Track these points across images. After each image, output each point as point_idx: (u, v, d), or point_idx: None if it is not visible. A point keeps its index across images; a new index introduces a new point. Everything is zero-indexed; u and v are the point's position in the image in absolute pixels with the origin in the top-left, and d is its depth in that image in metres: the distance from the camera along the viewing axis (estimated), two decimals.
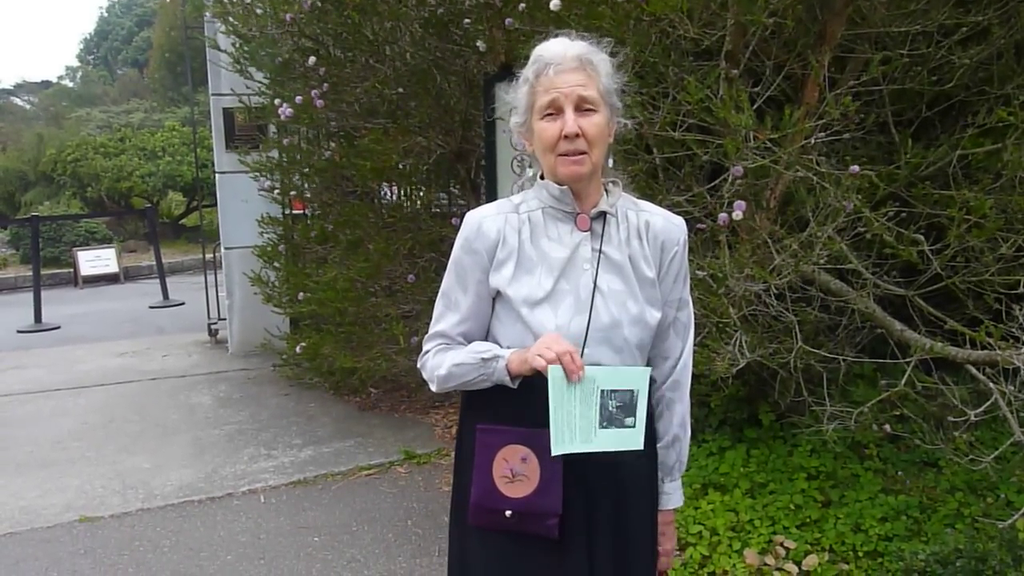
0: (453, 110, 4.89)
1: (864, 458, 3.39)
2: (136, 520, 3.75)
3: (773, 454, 3.46)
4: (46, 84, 35.42)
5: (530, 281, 1.56)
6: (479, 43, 4.15)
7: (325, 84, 4.40)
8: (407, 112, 4.75)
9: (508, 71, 4.48)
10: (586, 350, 1.53)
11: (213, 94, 6.40)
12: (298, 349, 4.99)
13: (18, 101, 32.88)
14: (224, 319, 6.95)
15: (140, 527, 3.68)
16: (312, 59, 4.37)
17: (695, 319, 1.73)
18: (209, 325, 7.25)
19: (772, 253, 2.77)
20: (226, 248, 6.58)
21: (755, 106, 2.71)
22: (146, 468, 4.35)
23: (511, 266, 1.57)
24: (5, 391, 5.96)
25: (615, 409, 1.48)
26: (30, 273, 10.05)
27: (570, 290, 1.55)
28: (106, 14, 40.84)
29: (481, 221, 1.60)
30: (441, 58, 4.61)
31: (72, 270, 13.10)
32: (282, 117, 4.48)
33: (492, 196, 4.65)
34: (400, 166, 4.97)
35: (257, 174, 5.40)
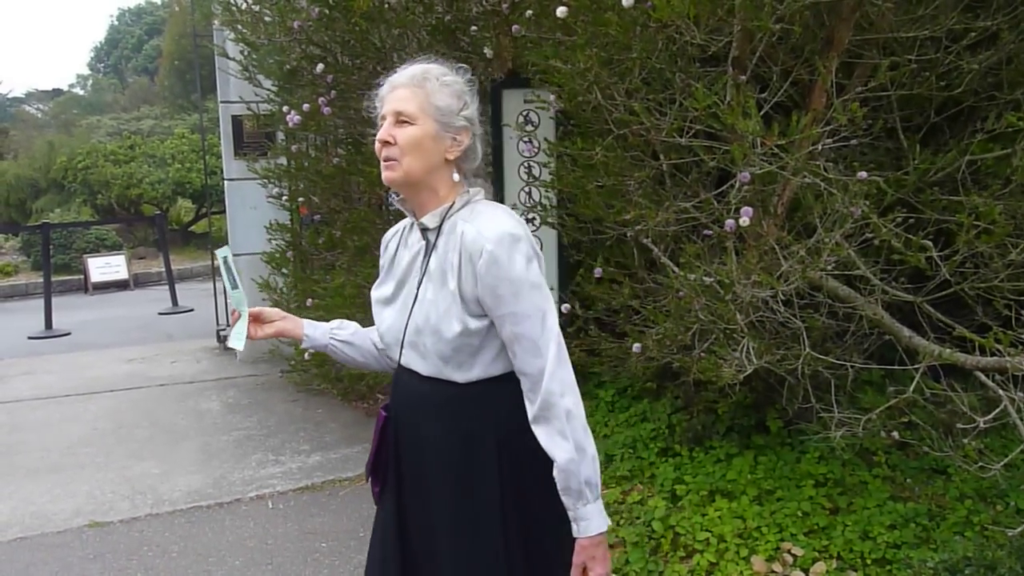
0: None
1: (872, 465, 3.37)
2: (145, 525, 3.77)
3: (781, 461, 3.45)
4: (57, 92, 35.66)
5: (384, 285, 1.82)
6: (486, 50, 4.17)
7: (333, 91, 4.42)
8: None
9: (515, 78, 4.50)
10: (403, 351, 1.76)
11: (222, 101, 6.43)
12: (306, 355, 4.99)
13: (29, 109, 33.09)
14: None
15: (149, 532, 3.69)
16: (320, 66, 4.38)
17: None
18: (218, 331, 7.27)
19: (779, 259, 2.77)
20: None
21: (762, 112, 2.71)
22: (155, 474, 4.37)
23: (382, 273, 1.85)
24: (16, 397, 5.99)
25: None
26: (41, 280, 10.10)
27: (402, 295, 1.77)
28: (116, 23, 41.11)
29: (386, 239, 1.87)
30: None
31: (82, 277, 13.17)
32: (290, 124, 4.49)
33: (499, 201, 4.66)
34: None
35: (265, 181, 5.42)
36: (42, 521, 3.82)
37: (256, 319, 1.89)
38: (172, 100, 22.23)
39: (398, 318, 1.75)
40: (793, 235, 2.91)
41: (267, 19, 4.62)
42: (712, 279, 2.75)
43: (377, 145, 1.69)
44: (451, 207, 1.70)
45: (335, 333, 1.94)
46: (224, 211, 7.05)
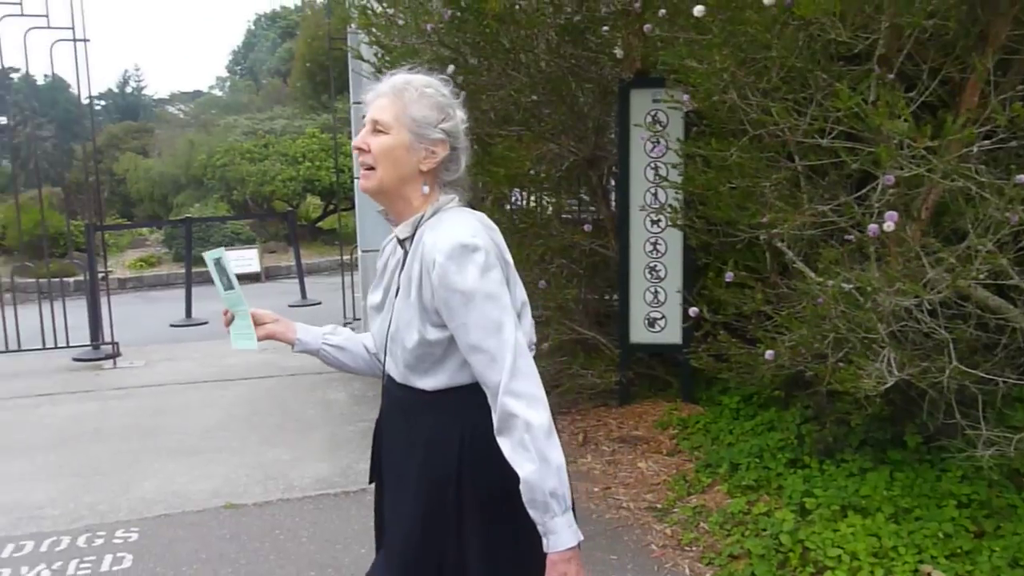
0: (587, 117, 4.89)
1: (1022, 488, 3.17)
2: (277, 509, 3.93)
3: (919, 478, 3.28)
4: (198, 94, 37.71)
5: (375, 291, 1.83)
6: (616, 50, 4.14)
7: (462, 92, 4.48)
8: (541, 119, 4.78)
9: (644, 77, 4.46)
10: (385, 357, 1.79)
11: (354, 102, 6.63)
12: None
13: (172, 110, 35.12)
14: (359, 319, 7.19)
15: (280, 516, 3.85)
16: (451, 68, 4.46)
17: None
18: (344, 323, 7.52)
19: (925, 266, 2.63)
20: (363, 251, 6.81)
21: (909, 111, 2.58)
22: (285, 460, 4.55)
23: (376, 279, 1.84)
24: (159, 381, 6.36)
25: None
26: (182, 271, 10.69)
27: (387, 303, 1.78)
28: (253, 27, 43.07)
29: (384, 243, 1.85)
30: (576, 65, 4.63)
31: None
32: None
33: (624, 202, 4.63)
34: (532, 172, 5.01)
35: None
36: (183, 500, 4.04)
37: (252, 321, 1.89)
38: (303, 100, 23.08)
39: (381, 325, 1.78)
40: (940, 241, 2.77)
41: (400, 22, 4.74)
42: (851, 286, 2.65)
43: (354, 152, 1.74)
44: (423, 216, 1.68)
45: (327, 338, 1.93)
46: (351, 208, 7.27)
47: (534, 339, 1.75)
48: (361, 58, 5.48)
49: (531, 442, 1.54)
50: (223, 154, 17.02)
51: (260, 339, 1.87)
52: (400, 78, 1.70)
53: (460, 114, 1.72)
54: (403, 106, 1.65)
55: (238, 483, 4.24)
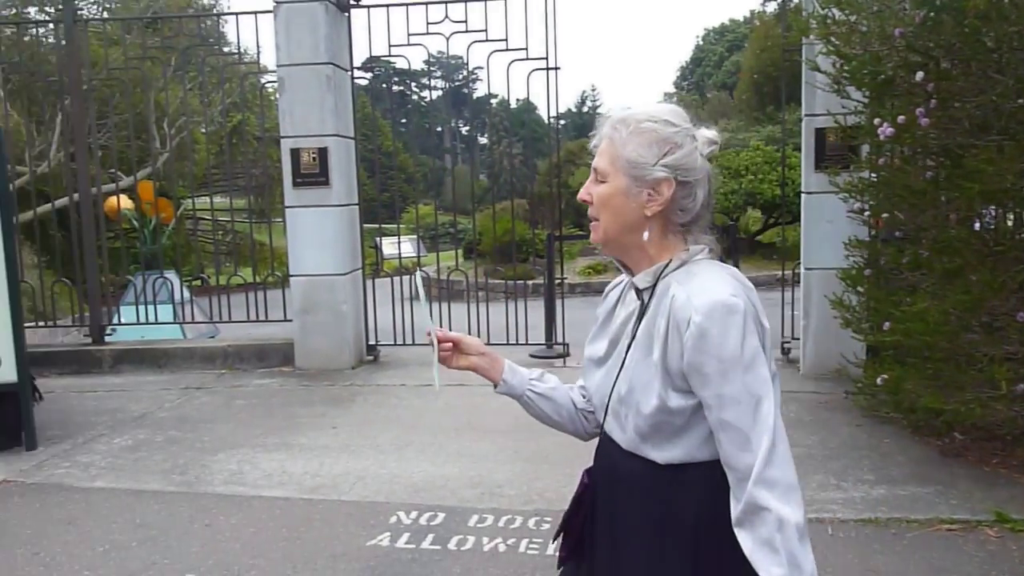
0: None
1: None
2: None
3: None
4: None
5: (597, 341, 1.66)
6: None
7: (932, 100, 4.08)
8: None
9: None
10: (606, 417, 1.60)
11: (806, 114, 6.42)
12: (879, 381, 4.72)
13: None
14: (797, 339, 6.94)
15: None
16: (919, 74, 4.09)
17: None
18: (782, 343, 7.30)
19: None
20: (806, 268, 6.55)
21: None
22: None
23: (596, 327, 1.68)
24: None
25: None
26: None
27: (613, 356, 1.60)
28: (701, 42, 43.99)
29: (608, 288, 1.73)
30: None
31: None
32: (880, 136, 4.28)
33: None
34: (1013, 187, 4.37)
35: (846, 195, 5.26)
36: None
37: (456, 346, 1.74)
38: (748, 113, 22.98)
39: (604, 381, 1.60)
40: None
41: (863, 29, 4.47)
42: None
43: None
44: (666, 266, 1.51)
45: (533, 385, 1.76)
46: (795, 223, 7.03)
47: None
48: (817, 69, 5.28)
49: (782, 543, 1.34)
50: None
51: (463, 368, 1.74)
52: (618, 115, 1.53)
53: (697, 142, 1.50)
54: (617, 148, 1.50)
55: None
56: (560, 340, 7.64)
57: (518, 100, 40.00)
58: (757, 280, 15.59)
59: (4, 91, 11.06)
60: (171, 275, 8.57)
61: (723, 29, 41.43)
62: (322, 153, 7.00)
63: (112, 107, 9.33)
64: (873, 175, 5.11)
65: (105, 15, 16.11)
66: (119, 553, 3.74)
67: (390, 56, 7.51)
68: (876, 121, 4.39)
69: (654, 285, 1.52)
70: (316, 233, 7.08)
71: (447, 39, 7.25)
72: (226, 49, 10.36)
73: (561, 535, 1.72)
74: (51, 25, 8.37)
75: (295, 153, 7.04)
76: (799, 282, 6.80)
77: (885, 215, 5.00)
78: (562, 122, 48.39)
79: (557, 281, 7.86)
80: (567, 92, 78.65)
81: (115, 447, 5.28)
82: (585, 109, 58.44)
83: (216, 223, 15.09)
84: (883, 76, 4.47)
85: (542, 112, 7.22)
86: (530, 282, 12.35)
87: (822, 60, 5.15)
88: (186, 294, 8.99)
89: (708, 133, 1.52)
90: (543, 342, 7.77)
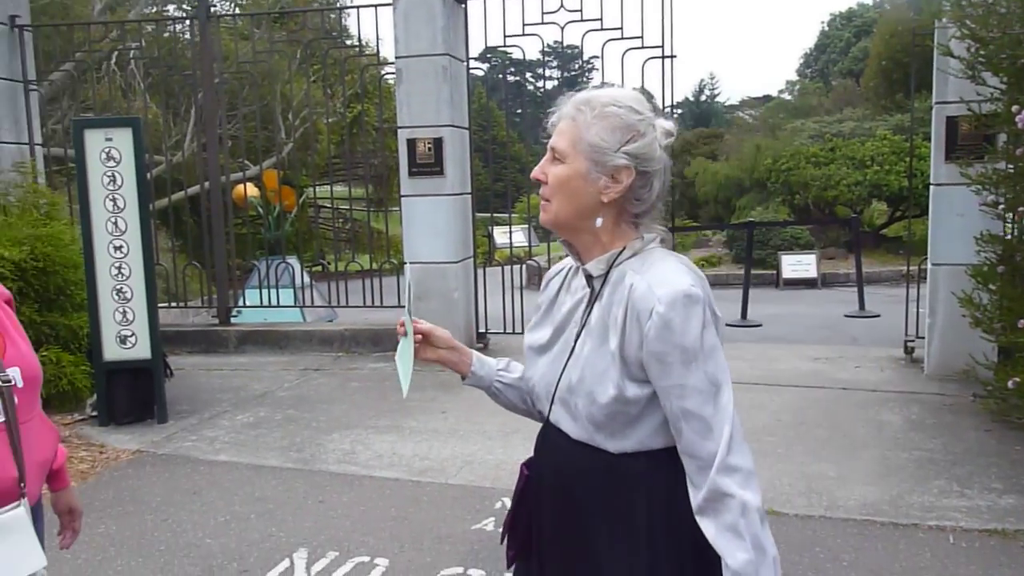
0: None
1: None
2: (818, 526, 3.82)
3: None
4: (767, 98, 38.45)
5: (540, 329, 1.62)
6: None
7: None
8: None
9: None
10: (552, 407, 1.56)
11: (937, 102, 6.09)
12: (1010, 384, 4.46)
13: (742, 115, 36.40)
14: (922, 337, 6.62)
15: (821, 534, 3.74)
16: None
17: None
18: (905, 342, 6.99)
19: None
20: (933, 264, 6.23)
21: None
22: (831, 477, 4.40)
23: (538, 315, 1.65)
24: None
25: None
26: (740, 272, 11.02)
27: (558, 344, 1.57)
28: (826, 28, 42.35)
29: (548, 275, 1.69)
30: None
31: (775, 272, 13.98)
32: (1019, 125, 4.03)
33: None
34: None
35: (979, 187, 4.97)
36: None
37: (425, 338, 1.70)
38: (875, 101, 22.00)
39: (550, 370, 1.57)
40: None
41: (1001, 10, 4.21)
42: None
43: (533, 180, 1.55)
44: (619, 254, 1.49)
45: (500, 376, 1.73)
46: (922, 216, 6.70)
47: None
48: (950, 54, 5.01)
49: (746, 528, 1.35)
50: (788, 158, 17.09)
51: (431, 361, 1.71)
52: (582, 96, 1.50)
53: (656, 132, 1.47)
54: (580, 130, 1.46)
55: (780, 490, 4.23)
56: None
57: (633, 89, 39.57)
58: (880, 275, 14.98)
59: (144, 85, 11.74)
60: (293, 260, 8.91)
61: (850, 14, 39.76)
62: (437, 143, 7.12)
63: (241, 99, 9.77)
64: (1010, 166, 4.81)
65: (236, 11, 16.84)
66: (239, 524, 3.94)
67: (505, 46, 7.56)
68: (1014, 108, 4.14)
69: (607, 273, 1.49)
70: (430, 221, 7.22)
71: (562, 28, 7.25)
72: (348, 42, 10.66)
73: (507, 534, 1.68)
74: (187, 22, 8.82)
75: (411, 143, 7.19)
76: (925, 278, 6.48)
77: (1022, 208, 4.70)
78: (678, 112, 47.58)
79: None
80: (683, 81, 77.35)
81: (237, 423, 5.55)
82: (703, 98, 57.25)
83: (336, 211, 15.59)
84: (1022, 61, 4.20)
85: (657, 102, 7.10)
86: None
87: (955, 44, 4.88)
88: (307, 279, 9.33)
89: (666, 124, 1.49)
90: None
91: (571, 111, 1.49)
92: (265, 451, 4.98)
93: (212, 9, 8.58)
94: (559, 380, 1.54)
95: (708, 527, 1.39)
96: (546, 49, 8.29)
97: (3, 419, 1.69)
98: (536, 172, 1.53)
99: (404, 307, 1.72)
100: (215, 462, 4.81)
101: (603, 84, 1.56)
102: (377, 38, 13.89)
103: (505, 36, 7.35)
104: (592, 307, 1.51)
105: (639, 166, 1.45)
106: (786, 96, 38.17)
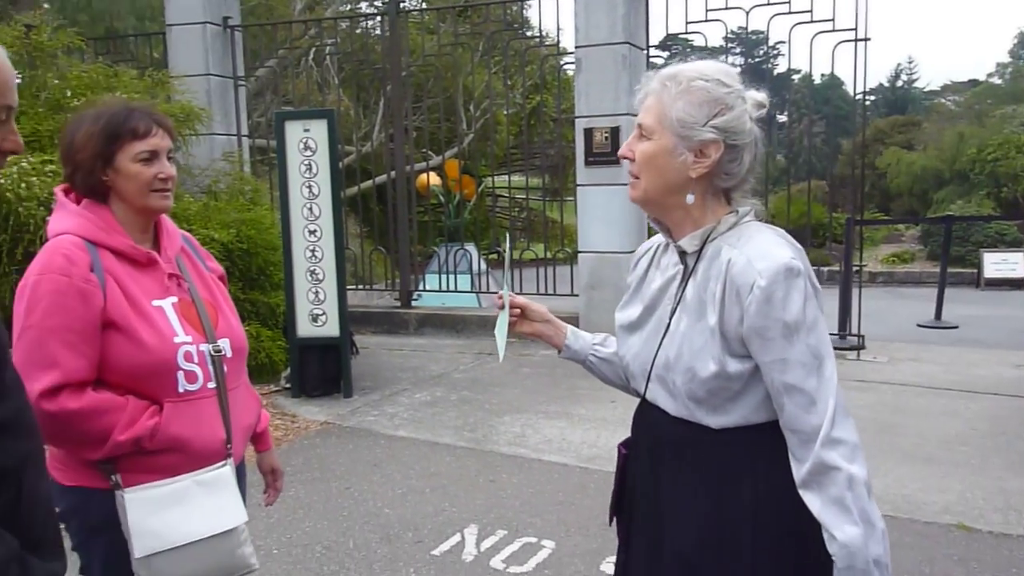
0: None
1: None
2: (1015, 546, 3.54)
3: None
4: (973, 83, 35.47)
5: (630, 307, 1.61)
6: None
7: None
8: None
9: None
10: (648, 385, 1.55)
11: None
12: None
13: (944, 101, 33.81)
14: None
15: (1019, 554, 3.46)
16: None
17: None
18: None
19: None
20: None
21: None
22: None
23: (628, 293, 1.64)
24: (900, 380, 6.28)
25: None
26: (935, 270, 10.29)
27: (651, 322, 1.55)
28: None
29: (637, 255, 1.68)
30: None
31: (975, 271, 12.95)
32: None
33: None
34: None
35: None
36: (912, 507, 3.93)
37: (523, 313, 1.74)
38: None
39: (645, 347, 1.56)
40: None
41: None
42: None
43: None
44: (714, 229, 1.47)
45: (596, 349, 1.76)
46: None
47: None
48: None
49: (853, 501, 1.34)
50: (996, 147, 15.78)
51: (526, 335, 1.76)
52: (668, 71, 1.47)
53: (746, 104, 1.44)
54: (665, 106, 1.44)
55: (973, 504, 3.94)
56: (855, 331, 7.16)
57: (822, 75, 37.64)
58: None
59: (338, 79, 12.43)
60: (471, 248, 9.18)
61: None
62: (614, 132, 7.11)
63: (426, 91, 10.14)
64: None
65: (423, 5, 17.48)
66: (415, 496, 4.13)
67: (687, 33, 7.41)
68: None
69: (700, 248, 1.48)
70: (604, 211, 7.22)
71: (747, 13, 7.03)
72: (527, 33, 10.81)
73: (615, 515, 1.71)
74: (378, 18, 9.25)
75: (588, 132, 7.21)
76: None
77: None
78: (871, 98, 44.93)
79: (855, 268, 7.37)
80: (878, 66, 72.69)
81: (416, 401, 5.81)
82: (899, 84, 53.63)
83: (512, 200, 15.88)
84: None
85: (848, 88, 6.75)
86: (825, 268, 11.66)
87: None
88: (483, 266, 9.58)
89: (757, 96, 1.46)
90: (836, 332, 7.34)
91: (657, 87, 1.47)
92: (441, 429, 5.18)
93: (401, 5, 8.95)
94: (655, 358, 1.54)
95: (813, 501, 1.38)
96: (729, 35, 8.06)
97: (214, 385, 1.87)
98: (623, 150, 1.53)
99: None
100: (394, 437, 5.06)
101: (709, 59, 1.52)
102: (558, 27, 13.91)
103: (687, 22, 7.22)
104: (686, 283, 1.50)
105: (728, 139, 1.43)
106: (996, 80, 35.05)
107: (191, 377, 1.83)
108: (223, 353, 1.90)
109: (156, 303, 1.83)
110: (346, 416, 5.48)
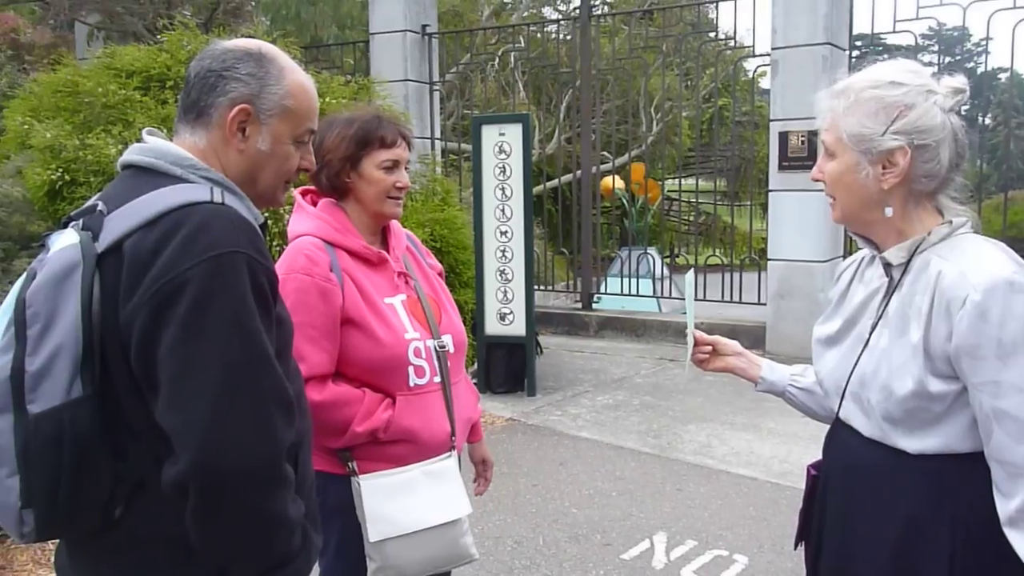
0: None
1: None
2: None
3: None
4: None
5: (830, 321, 1.54)
6: None
7: None
8: None
9: None
10: (843, 403, 1.47)
11: None
12: None
13: None
14: None
15: None
16: None
17: None
18: None
19: None
20: None
21: None
22: None
23: (830, 307, 1.57)
24: None
25: None
26: None
27: (850, 337, 1.47)
28: None
29: (841, 268, 1.62)
30: None
31: None
32: None
33: None
34: None
35: None
36: None
37: (714, 349, 1.78)
38: None
39: (841, 363, 1.47)
40: None
41: None
42: None
43: None
44: (923, 240, 1.36)
45: (795, 380, 1.72)
46: None
47: None
48: None
49: None
50: None
51: (718, 370, 1.80)
52: (840, 84, 1.39)
53: (935, 97, 1.32)
54: (840, 122, 1.37)
55: None
56: None
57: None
58: None
59: (523, 83, 12.67)
60: (653, 252, 9.10)
61: None
62: (811, 136, 6.84)
63: (608, 95, 10.15)
64: None
65: (605, 9, 17.50)
66: (601, 499, 4.15)
67: (894, 31, 7.01)
68: None
69: (908, 260, 1.38)
70: (797, 217, 6.96)
71: (964, 10, 6.56)
72: (713, 35, 10.60)
73: (801, 540, 1.64)
74: (563, 22, 9.35)
75: (783, 136, 6.98)
76: None
77: None
78: None
79: None
80: None
81: (598, 404, 5.83)
82: None
83: (691, 204, 15.59)
84: None
85: None
86: None
87: None
88: (665, 270, 9.48)
89: (952, 82, 1.35)
90: None
91: (828, 104, 1.41)
92: (624, 433, 5.18)
93: (592, 9, 9.00)
94: (851, 374, 1.45)
95: (1020, 541, 1.24)
96: (926, 32, 7.56)
97: (439, 380, 1.95)
98: (814, 172, 1.47)
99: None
100: (578, 437, 5.11)
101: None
102: (754, 29, 13.42)
103: (895, 20, 6.83)
104: (890, 297, 1.40)
105: (915, 141, 1.33)
106: None
107: (420, 372, 1.92)
108: (447, 349, 1.99)
109: (388, 300, 1.94)
110: (530, 414, 5.58)
